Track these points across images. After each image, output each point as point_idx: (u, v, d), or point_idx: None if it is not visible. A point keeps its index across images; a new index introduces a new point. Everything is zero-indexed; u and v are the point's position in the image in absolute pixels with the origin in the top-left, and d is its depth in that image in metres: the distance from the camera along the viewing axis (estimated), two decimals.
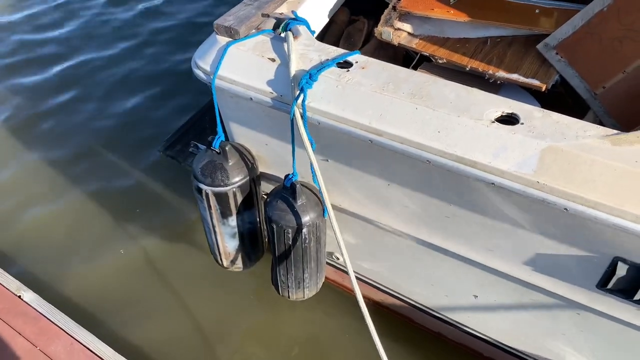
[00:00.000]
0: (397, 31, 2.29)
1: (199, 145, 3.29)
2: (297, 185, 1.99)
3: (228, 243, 2.33)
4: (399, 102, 1.68)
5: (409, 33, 2.31)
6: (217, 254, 2.40)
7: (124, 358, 2.42)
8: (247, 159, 2.20)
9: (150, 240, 3.33)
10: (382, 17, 2.32)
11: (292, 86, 1.83)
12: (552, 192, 1.46)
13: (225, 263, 2.42)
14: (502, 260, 1.90)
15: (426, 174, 1.76)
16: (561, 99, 2.23)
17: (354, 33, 2.93)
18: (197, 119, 3.57)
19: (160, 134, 3.92)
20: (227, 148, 2.11)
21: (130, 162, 3.84)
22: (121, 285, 3.07)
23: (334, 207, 2.09)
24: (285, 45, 1.94)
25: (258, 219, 2.35)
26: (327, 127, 1.82)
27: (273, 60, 1.92)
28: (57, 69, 4.70)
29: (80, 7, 5.47)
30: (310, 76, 1.77)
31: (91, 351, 2.37)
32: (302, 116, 1.81)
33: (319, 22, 2.38)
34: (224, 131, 2.22)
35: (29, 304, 2.53)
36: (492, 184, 1.53)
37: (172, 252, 3.27)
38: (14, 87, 4.50)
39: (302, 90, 1.78)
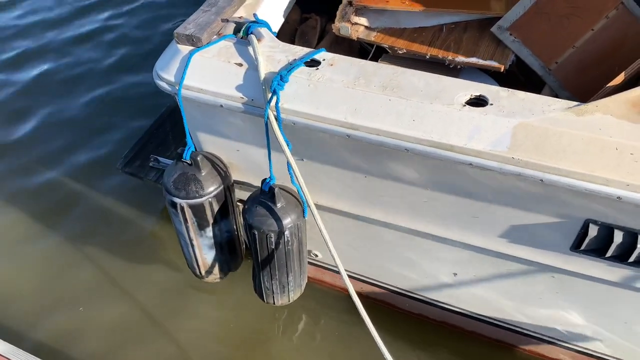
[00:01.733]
0: (354, 26, 2.33)
1: (160, 158, 3.20)
2: (276, 189, 1.99)
3: (207, 254, 2.29)
4: (371, 96, 1.71)
5: (365, 27, 2.35)
6: (196, 267, 2.36)
7: None
8: (219, 168, 2.17)
9: (117, 266, 3.18)
10: (338, 13, 2.35)
11: (263, 89, 1.82)
12: (527, 165, 1.54)
13: (204, 275, 2.38)
14: (479, 236, 1.99)
15: (399, 162, 1.81)
16: (514, 78, 2.35)
17: (307, 31, 2.94)
18: (153, 131, 3.48)
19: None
20: (198, 158, 2.07)
21: (87, 183, 3.66)
22: (96, 322, 2.93)
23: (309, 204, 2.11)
24: (250, 48, 1.93)
25: (235, 227, 2.33)
26: (302, 126, 1.83)
27: (240, 65, 1.91)
28: None
29: None
30: (281, 78, 1.77)
31: None
32: (277, 118, 1.81)
33: (276, 22, 2.39)
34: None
35: (4, 356, 2.37)
36: (470, 164, 1.60)
37: (143, 274, 3.15)
38: None
39: (274, 92, 1.78)
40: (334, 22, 2.52)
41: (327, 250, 2.57)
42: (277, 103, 1.79)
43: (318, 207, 2.21)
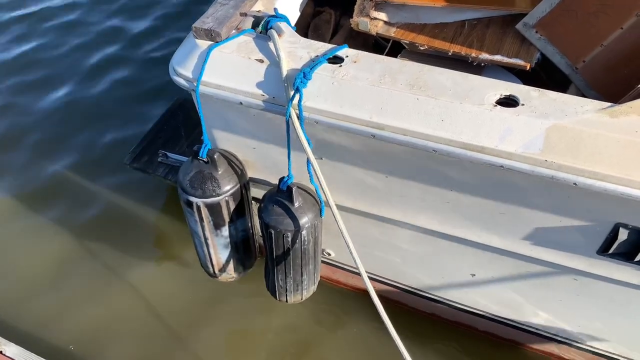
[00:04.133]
0: (373, 21, 2.27)
1: (169, 154, 3.15)
2: (294, 188, 1.95)
3: (221, 253, 2.25)
4: (398, 94, 1.67)
5: (385, 22, 2.29)
6: (209, 266, 2.32)
7: None
8: (235, 166, 2.12)
9: (126, 267, 3.12)
10: (356, 8, 2.30)
11: (285, 87, 1.77)
12: (561, 168, 1.50)
13: (217, 273, 2.34)
14: (503, 238, 1.95)
15: (425, 162, 1.77)
16: (535, 76, 2.31)
17: (321, 25, 2.89)
18: (161, 126, 3.42)
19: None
20: (215, 156, 2.03)
21: (97, 180, 3.58)
22: (105, 321, 2.89)
23: (327, 204, 2.07)
24: (271, 44, 1.88)
25: (250, 225, 2.29)
26: (324, 125, 1.78)
27: (261, 61, 1.85)
28: None
29: None
30: (304, 75, 1.72)
31: None
32: (299, 117, 1.76)
33: (292, 16, 2.33)
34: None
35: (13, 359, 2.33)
36: (501, 166, 1.55)
37: (148, 269, 3.10)
38: None
39: (297, 90, 1.73)
40: (348, 16, 2.47)
41: (340, 249, 2.56)
42: (299, 101, 1.74)
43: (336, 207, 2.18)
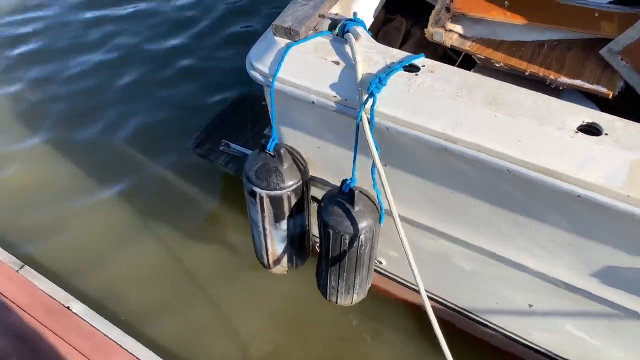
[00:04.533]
0: (448, 32, 2.26)
1: (231, 144, 3.24)
2: (356, 191, 1.97)
3: (278, 246, 2.30)
4: (475, 109, 1.66)
5: (460, 35, 2.28)
6: (265, 256, 2.37)
7: None
8: (299, 162, 2.17)
9: (178, 240, 3.27)
10: (431, 18, 2.29)
11: (359, 90, 1.79)
12: None
13: (271, 265, 2.40)
14: (568, 271, 1.87)
15: (496, 182, 1.74)
16: (614, 104, 2.23)
17: (391, 32, 2.89)
18: (225, 116, 3.52)
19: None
20: (282, 151, 2.08)
21: (161, 157, 3.74)
22: (158, 289, 3.02)
23: (387, 212, 2.07)
24: (348, 47, 1.91)
25: (307, 223, 2.33)
26: (394, 132, 1.79)
27: (337, 63, 1.88)
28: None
29: None
30: (379, 80, 1.74)
31: None
32: (370, 121, 1.78)
33: (367, 21, 2.34)
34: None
35: (79, 316, 2.48)
36: (578, 196, 1.51)
37: (201, 253, 3.22)
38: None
39: (371, 94, 1.75)
40: (419, 26, 2.46)
41: (392, 259, 2.55)
42: (372, 106, 1.76)
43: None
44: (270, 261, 2.37)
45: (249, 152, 3.21)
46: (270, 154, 2.09)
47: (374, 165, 1.84)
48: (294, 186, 2.11)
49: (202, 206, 3.45)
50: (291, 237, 2.27)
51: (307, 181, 2.22)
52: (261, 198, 2.10)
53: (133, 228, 3.33)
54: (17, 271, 2.69)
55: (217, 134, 3.35)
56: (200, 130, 3.40)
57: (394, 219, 1.85)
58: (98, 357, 2.35)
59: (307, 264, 2.50)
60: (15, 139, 3.92)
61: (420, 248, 2.28)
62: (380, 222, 2.03)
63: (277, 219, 2.18)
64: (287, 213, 2.17)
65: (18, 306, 2.52)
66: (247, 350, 2.80)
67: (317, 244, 2.78)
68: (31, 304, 2.53)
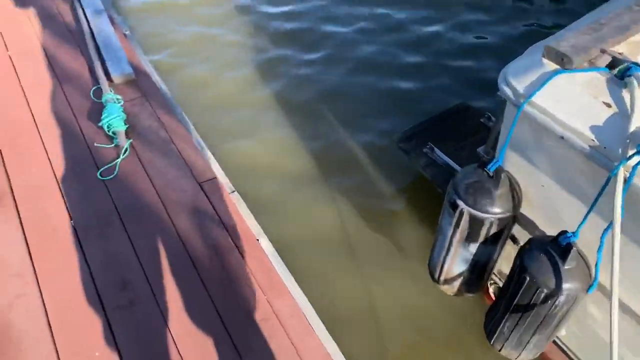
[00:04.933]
0: None
1: (436, 149, 3.18)
2: (574, 249, 1.75)
3: (456, 266, 2.20)
4: None
5: None
6: (437, 270, 2.29)
7: (335, 345, 2.43)
8: (515, 194, 2.01)
9: (354, 219, 3.33)
10: None
11: (626, 142, 1.57)
12: None
13: (441, 281, 2.31)
14: None
15: None
16: None
17: None
18: (437, 121, 3.47)
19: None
20: (502, 175, 1.95)
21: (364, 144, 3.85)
22: (322, 255, 3.14)
23: (600, 287, 1.81)
24: (626, 92, 1.68)
25: (495, 257, 2.17)
26: None
27: (608, 105, 1.67)
28: None
29: None
30: None
31: (308, 323, 2.46)
32: (627, 180, 1.55)
33: None
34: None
35: (264, 251, 2.74)
36: None
37: (372, 242, 3.25)
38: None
39: (639, 152, 1.52)
40: None
41: (572, 333, 2.25)
42: (637, 165, 1.52)
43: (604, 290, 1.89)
44: (442, 277, 2.27)
45: (450, 161, 3.12)
46: (489, 173, 1.98)
47: (608, 228, 1.61)
48: (501, 215, 1.97)
49: (386, 197, 3.47)
50: (474, 263, 2.14)
51: (515, 216, 2.05)
52: (462, 213, 2.00)
53: (316, 188, 3.49)
54: (229, 193, 3.02)
55: (425, 135, 3.32)
56: (410, 127, 3.40)
57: (610, 298, 1.60)
58: (270, 293, 2.56)
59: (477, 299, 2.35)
60: None
61: (629, 338, 1.96)
62: (589, 292, 1.78)
63: (469, 240, 2.06)
64: (481, 239, 2.04)
65: (223, 223, 2.85)
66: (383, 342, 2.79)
67: (493, 283, 2.60)
68: (231, 224, 2.84)
